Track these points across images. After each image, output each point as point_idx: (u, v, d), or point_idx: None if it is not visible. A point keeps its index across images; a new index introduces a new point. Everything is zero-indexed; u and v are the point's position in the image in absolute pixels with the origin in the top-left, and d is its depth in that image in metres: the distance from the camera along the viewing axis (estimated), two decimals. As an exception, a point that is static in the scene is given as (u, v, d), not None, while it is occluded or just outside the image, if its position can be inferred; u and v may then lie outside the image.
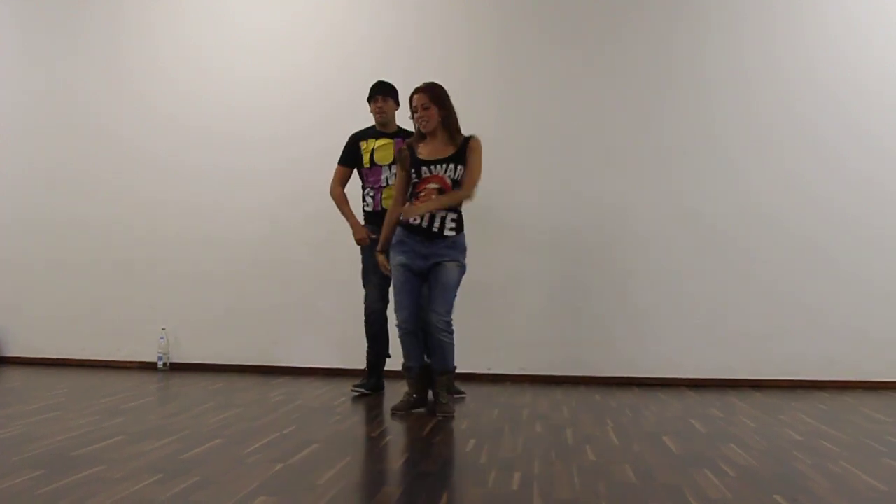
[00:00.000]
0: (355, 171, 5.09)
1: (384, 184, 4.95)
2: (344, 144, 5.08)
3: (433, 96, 4.43)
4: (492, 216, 5.62)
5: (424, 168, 4.42)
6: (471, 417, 4.43)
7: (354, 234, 5.00)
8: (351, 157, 5.06)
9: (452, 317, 4.45)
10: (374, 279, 4.90)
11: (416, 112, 4.45)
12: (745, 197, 5.61)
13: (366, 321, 4.97)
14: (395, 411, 4.49)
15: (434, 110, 4.41)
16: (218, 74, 6.08)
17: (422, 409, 4.57)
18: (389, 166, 4.93)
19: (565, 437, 3.90)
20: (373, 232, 4.90)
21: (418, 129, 4.50)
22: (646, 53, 5.71)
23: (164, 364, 6.00)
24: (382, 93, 4.99)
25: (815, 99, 5.61)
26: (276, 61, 6.01)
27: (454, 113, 4.48)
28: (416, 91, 4.47)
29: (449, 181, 4.40)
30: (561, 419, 4.35)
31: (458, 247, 4.45)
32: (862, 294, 5.53)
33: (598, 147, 5.73)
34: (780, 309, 5.57)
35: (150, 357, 6.06)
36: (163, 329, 6.01)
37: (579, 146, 5.74)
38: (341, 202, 5.06)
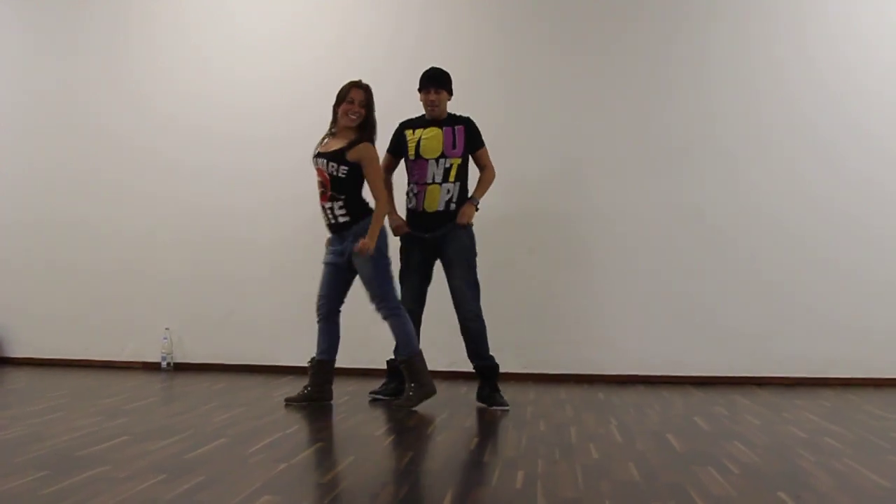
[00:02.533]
0: (402, 164, 4.85)
1: (430, 180, 4.65)
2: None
3: (369, 99, 4.52)
4: (493, 215, 5.61)
5: (314, 160, 4.57)
6: (474, 416, 4.43)
7: (390, 222, 4.76)
8: (397, 145, 4.80)
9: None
10: (413, 278, 4.76)
11: (353, 104, 4.47)
12: (746, 197, 5.61)
13: None
14: (287, 401, 4.66)
15: (365, 111, 4.50)
16: (218, 74, 6.07)
17: (321, 403, 4.66)
18: (437, 160, 4.66)
19: (569, 435, 3.90)
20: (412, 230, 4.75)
21: (337, 122, 4.56)
22: (648, 54, 5.71)
23: (168, 364, 6.01)
24: (436, 83, 4.68)
25: (816, 99, 5.60)
26: (277, 61, 6.00)
27: (373, 117, 4.56)
28: (360, 86, 4.51)
29: (327, 176, 4.48)
30: (564, 417, 4.35)
31: (363, 233, 4.46)
32: (864, 292, 5.53)
33: (599, 147, 5.73)
34: (782, 307, 5.57)
35: (153, 357, 6.06)
36: (166, 329, 6.02)
37: (580, 146, 5.74)
38: None
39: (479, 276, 4.77)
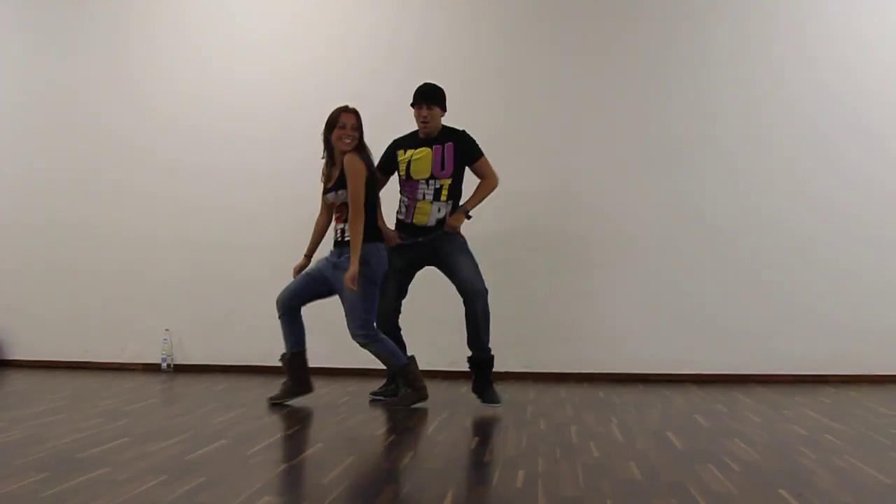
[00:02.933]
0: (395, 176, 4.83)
1: (420, 198, 4.67)
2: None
3: (360, 122, 4.52)
4: (494, 215, 5.62)
5: (324, 198, 4.65)
6: (474, 415, 4.43)
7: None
8: (386, 164, 4.78)
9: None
10: (390, 285, 4.72)
11: (345, 129, 4.47)
12: (746, 196, 5.62)
13: (377, 326, 4.76)
14: (272, 401, 4.66)
15: (358, 134, 4.51)
16: (218, 74, 6.07)
17: (304, 395, 4.68)
18: (427, 181, 4.66)
19: (569, 434, 3.90)
20: (404, 239, 4.73)
21: (333, 150, 4.55)
22: (648, 54, 5.71)
23: (168, 365, 6.01)
24: (428, 100, 4.62)
25: (816, 99, 5.61)
26: (277, 61, 6.00)
27: (365, 143, 4.57)
28: (350, 110, 4.51)
29: (343, 205, 4.53)
30: (565, 417, 4.35)
31: (363, 261, 4.44)
32: (864, 291, 5.53)
33: (599, 147, 5.73)
34: (782, 306, 5.57)
35: (153, 358, 6.06)
36: (166, 330, 6.02)
37: (580, 146, 5.74)
38: None
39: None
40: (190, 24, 6.13)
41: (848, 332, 5.51)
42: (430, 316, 4.93)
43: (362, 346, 4.55)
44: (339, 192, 4.52)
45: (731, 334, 5.58)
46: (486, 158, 4.77)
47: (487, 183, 4.77)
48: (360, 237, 4.43)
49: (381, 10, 5.94)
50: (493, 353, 4.74)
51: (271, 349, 5.88)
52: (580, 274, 5.71)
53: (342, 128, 4.48)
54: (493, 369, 4.77)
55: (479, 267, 4.71)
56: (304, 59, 5.97)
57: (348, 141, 4.48)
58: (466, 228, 4.88)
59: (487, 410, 4.55)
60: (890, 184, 5.56)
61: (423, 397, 4.63)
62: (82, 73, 6.23)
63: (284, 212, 5.92)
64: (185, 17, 6.15)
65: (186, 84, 6.11)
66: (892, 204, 5.56)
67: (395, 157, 4.77)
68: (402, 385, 4.66)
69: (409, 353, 4.72)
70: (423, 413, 4.45)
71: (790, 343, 5.55)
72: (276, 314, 5.88)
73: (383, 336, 4.57)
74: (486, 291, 4.64)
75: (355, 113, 4.52)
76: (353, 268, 4.39)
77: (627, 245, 5.68)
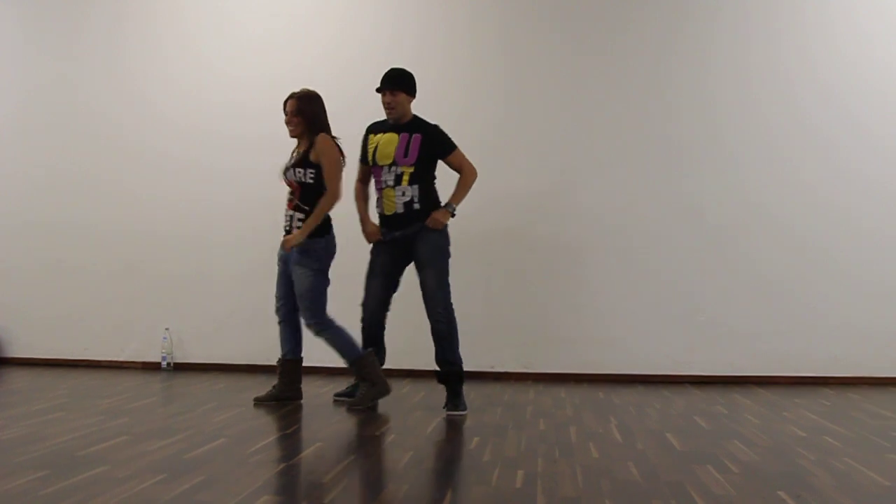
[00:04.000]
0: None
1: (383, 185, 4.58)
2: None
3: (303, 106, 4.57)
4: (494, 214, 5.62)
5: (283, 175, 4.65)
6: (474, 415, 4.43)
7: (363, 229, 4.74)
8: (365, 152, 4.73)
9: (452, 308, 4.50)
10: (376, 282, 4.68)
11: (286, 116, 4.60)
12: (748, 196, 5.61)
13: (361, 324, 4.72)
14: (257, 401, 4.68)
15: (300, 119, 4.57)
16: (219, 74, 6.07)
17: (292, 402, 4.67)
18: (389, 167, 4.56)
19: (569, 434, 3.90)
20: (384, 234, 4.66)
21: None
22: (650, 53, 5.71)
23: (168, 364, 6.01)
24: (391, 85, 4.59)
25: (818, 99, 5.60)
26: (278, 61, 6.00)
27: (320, 121, 4.60)
28: (291, 96, 4.63)
29: (297, 184, 4.56)
30: (564, 417, 4.35)
31: (308, 252, 4.51)
32: (865, 292, 5.53)
33: (601, 146, 5.73)
34: (783, 307, 5.57)
35: (153, 357, 6.06)
36: (166, 329, 6.02)
37: (582, 145, 5.74)
38: (356, 198, 4.80)
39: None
40: (191, 23, 6.13)
41: (848, 333, 5.51)
42: (423, 318, 4.90)
43: (317, 334, 4.55)
44: (297, 171, 4.54)
45: (730, 335, 5.58)
46: (459, 151, 4.65)
47: (466, 177, 4.66)
48: (323, 214, 4.49)
49: (381, 10, 5.95)
50: (462, 364, 4.59)
51: (271, 348, 5.87)
52: (580, 274, 5.70)
53: (286, 115, 4.61)
54: (496, 369, 4.69)
55: (478, 268, 4.67)
56: (304, 59, 5.97)
57: (291, 128, 4.61)
58: (463, 229, 4.89)
59: (486, 411, 4.54)
60: (890, 184, 5.55)
61: (383, 392, 4.57)
62: (82, 73, 6.24)
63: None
64: (186, 17, 6.15)
65: (187, 84, 6.11)
66: (892, 204, 5.56)
67: (367, 142, 4.74)
68: (358, 381, 4.61)
69: (404, 356, 4.67)
70: (422, 413, 4.45)
71: (790, 344, 5.54)
72: (275, 315, 5.91)
73: (338, 326, 4.55)
74: (445, 310, 4.52)
75: (299, 97, 4.60)
76: (300, 235, 4.45)
77: (627, 245, 5.68)
